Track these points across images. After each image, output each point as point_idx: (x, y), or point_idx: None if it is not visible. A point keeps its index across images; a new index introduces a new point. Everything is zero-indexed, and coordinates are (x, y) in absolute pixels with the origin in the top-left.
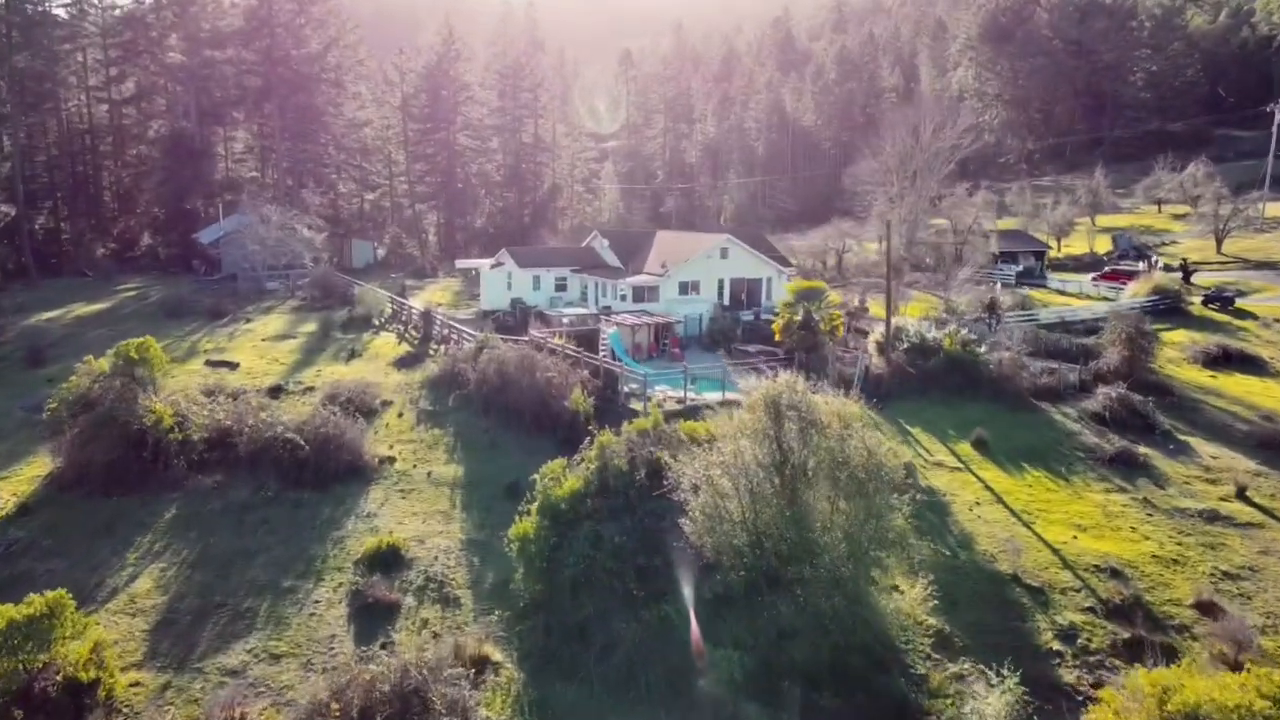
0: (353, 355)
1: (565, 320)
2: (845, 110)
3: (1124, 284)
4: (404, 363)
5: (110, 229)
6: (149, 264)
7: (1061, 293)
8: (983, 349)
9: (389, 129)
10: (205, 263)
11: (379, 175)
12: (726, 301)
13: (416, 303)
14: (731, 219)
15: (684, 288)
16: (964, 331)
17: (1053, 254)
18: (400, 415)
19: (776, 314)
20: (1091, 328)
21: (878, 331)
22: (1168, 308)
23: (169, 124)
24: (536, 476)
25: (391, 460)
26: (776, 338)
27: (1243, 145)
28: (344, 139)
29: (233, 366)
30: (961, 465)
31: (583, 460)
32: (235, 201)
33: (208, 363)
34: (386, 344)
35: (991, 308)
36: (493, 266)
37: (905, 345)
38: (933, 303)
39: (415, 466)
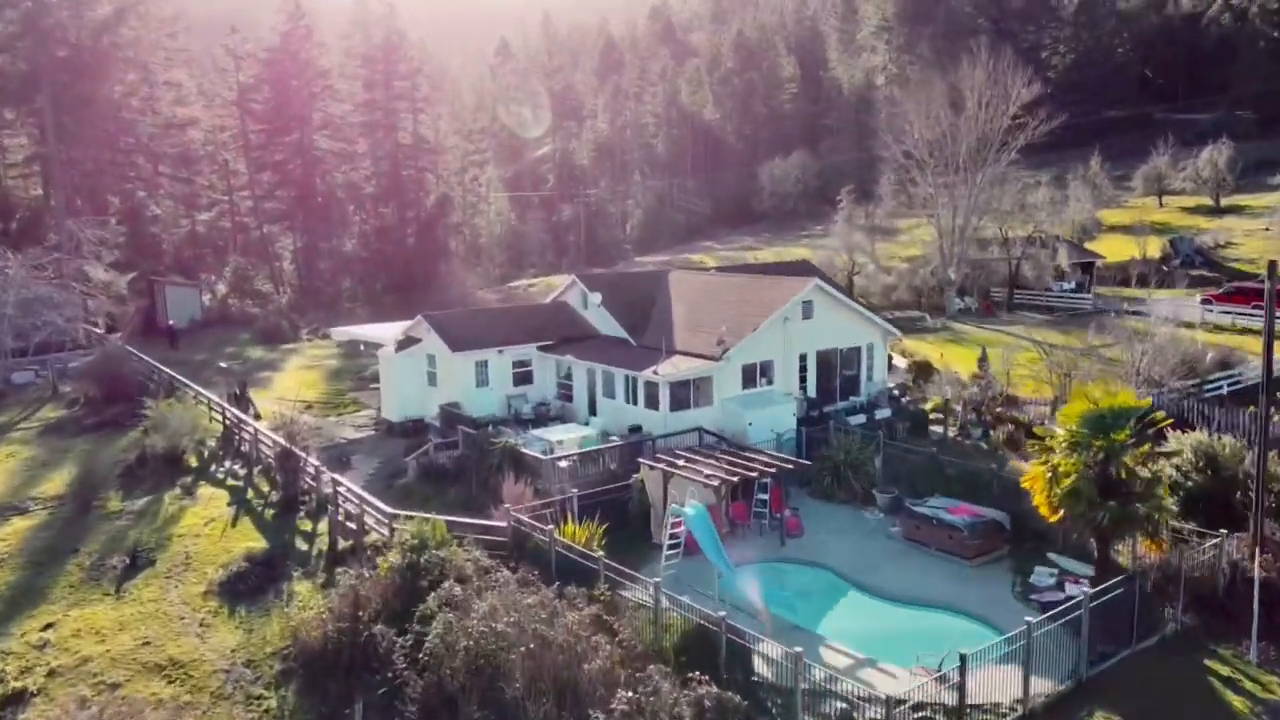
0: (131, 569)
1: (564, 464)
2: (746, 102)
3: (1254, 307)
4: (241, 585)
5: None
6: None
7: (1188, 325)
8: None
9: (223, 131)
10: None
11: (216, 190)
12: (813, 390)
13: (267, 421)
14: (639, 227)
15: (749, 375)
16: None
17: None
18: None
19: (903, 404)
20: None
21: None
22: None
23: None
24: None
25: None
26: (1038, 504)
27: (1201, 127)
28: (157, 143)
29: None
30: None
31: None
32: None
33: None
34: (210, 519)
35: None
36: (400, 344)
37: None
38: (1003, 342)
39: None
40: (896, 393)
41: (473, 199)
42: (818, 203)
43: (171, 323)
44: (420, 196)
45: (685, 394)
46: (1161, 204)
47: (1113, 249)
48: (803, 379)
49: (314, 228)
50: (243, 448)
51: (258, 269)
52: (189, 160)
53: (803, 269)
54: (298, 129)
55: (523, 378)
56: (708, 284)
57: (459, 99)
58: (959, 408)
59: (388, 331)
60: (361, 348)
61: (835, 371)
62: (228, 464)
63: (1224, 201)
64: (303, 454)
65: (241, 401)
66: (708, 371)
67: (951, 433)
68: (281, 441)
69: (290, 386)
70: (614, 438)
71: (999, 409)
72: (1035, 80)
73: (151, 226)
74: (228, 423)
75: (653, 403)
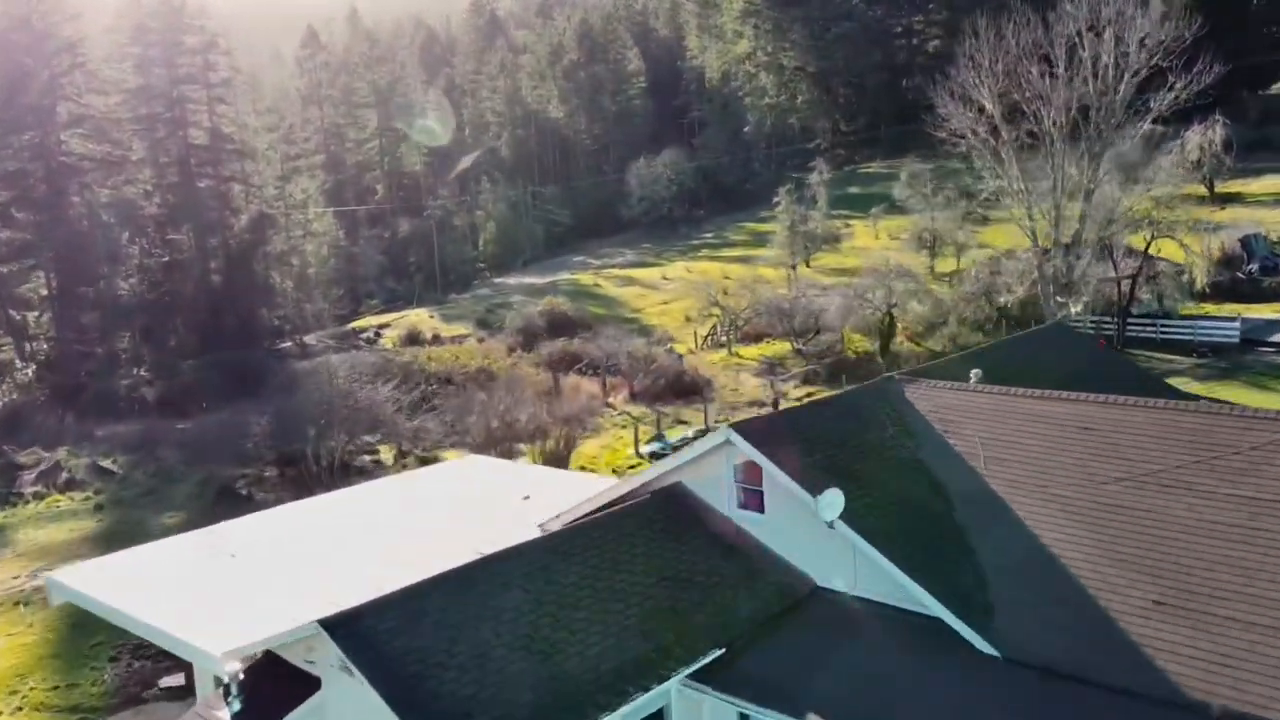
0: None
1: None
2: (594, 99)
3: None
4: None
5: None
6: None
7: None
8: None
9: None
10: None
11: None
12: None
13: None
14: (493, 242)
15: None
16: None
17: None
18: None
19: None
20: None
21: None
22: None
23: None
24: None
25: None
26: None
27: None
28: None
29: None
30: None
31: None
32: None
33: None
34: None
35: None
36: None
37: None
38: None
39: None
40: None
41: (300, 217)
42: (691, 207)
43: None
44: (226, 216)
45: None
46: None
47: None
48: None
49: (71, 264)
50: None
51: None
52: None
53: (1058, 335)
54: (39, 126)
55: None
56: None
57: (261, 99)
58: None
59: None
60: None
61: None
62: None
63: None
64: None
65: None
66: None
67: None
68: None
69: None
70: None
71: None
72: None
73: None
74: None
75: None
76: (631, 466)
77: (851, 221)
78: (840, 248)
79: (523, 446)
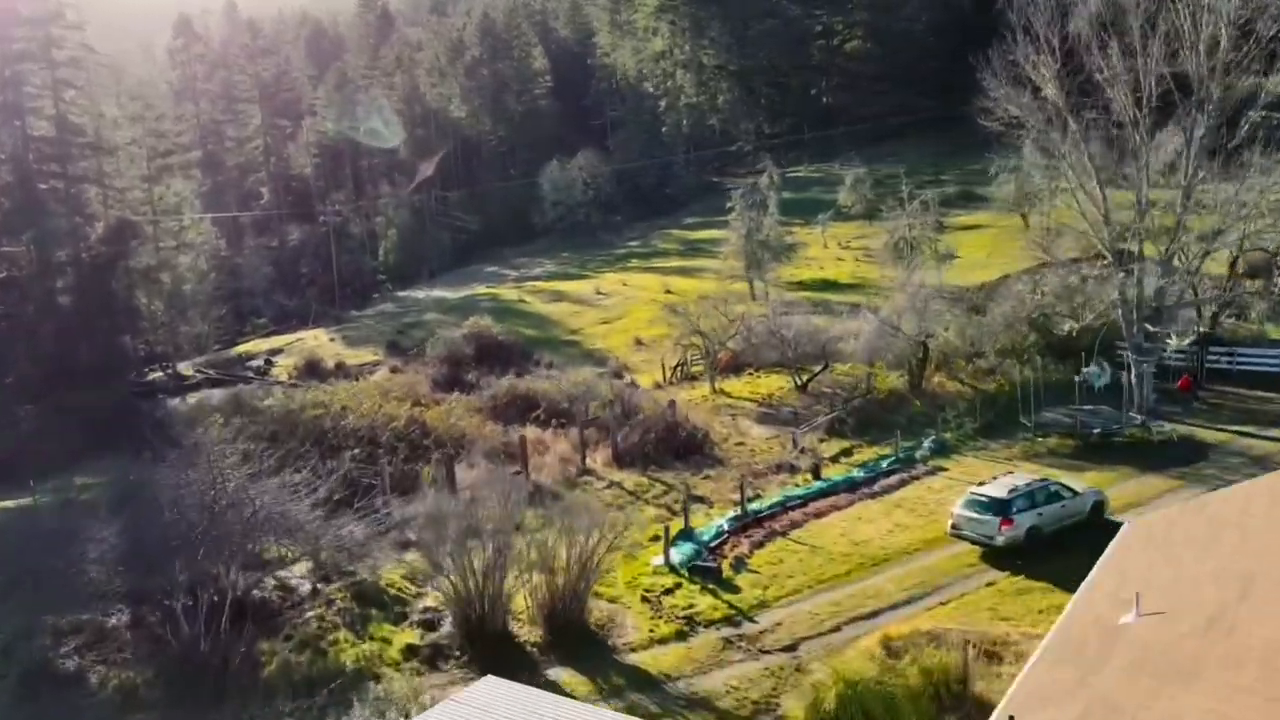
0: None
1: None
2: (497, 99)
3: None
4: None
5: None
6: None
7: None
8: None
9: None
10: None
11: None
12: None
13: None
14: (394, 251)
15: None
16: None
17: None
18: None
19: None
20: None
21: None
22: None
23: None
24: None
25: None
26: None
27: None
28: None
29: None
30: None
31: None
32: None
33: None
34: None
35: None
36: None
37: None
38: None
39: None
40: None
41: (173, 224)
42: (608, 213)
43: None
44: (79, 224)
45: None
46: None
47: None
48: None
49: None
50: None
51: None
52: None
53: None
54: None
55: None
56: None
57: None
58: None
59: None
60: None
61: None
62: None
63: None
64: None
65: None
66: None
67: None
68: None
69: None
70: None
71: None
72: None
73: None
74: None
75: None
76: (667, 591)
77: (793, 229)
78: (794, 258)
79: (509, 583)
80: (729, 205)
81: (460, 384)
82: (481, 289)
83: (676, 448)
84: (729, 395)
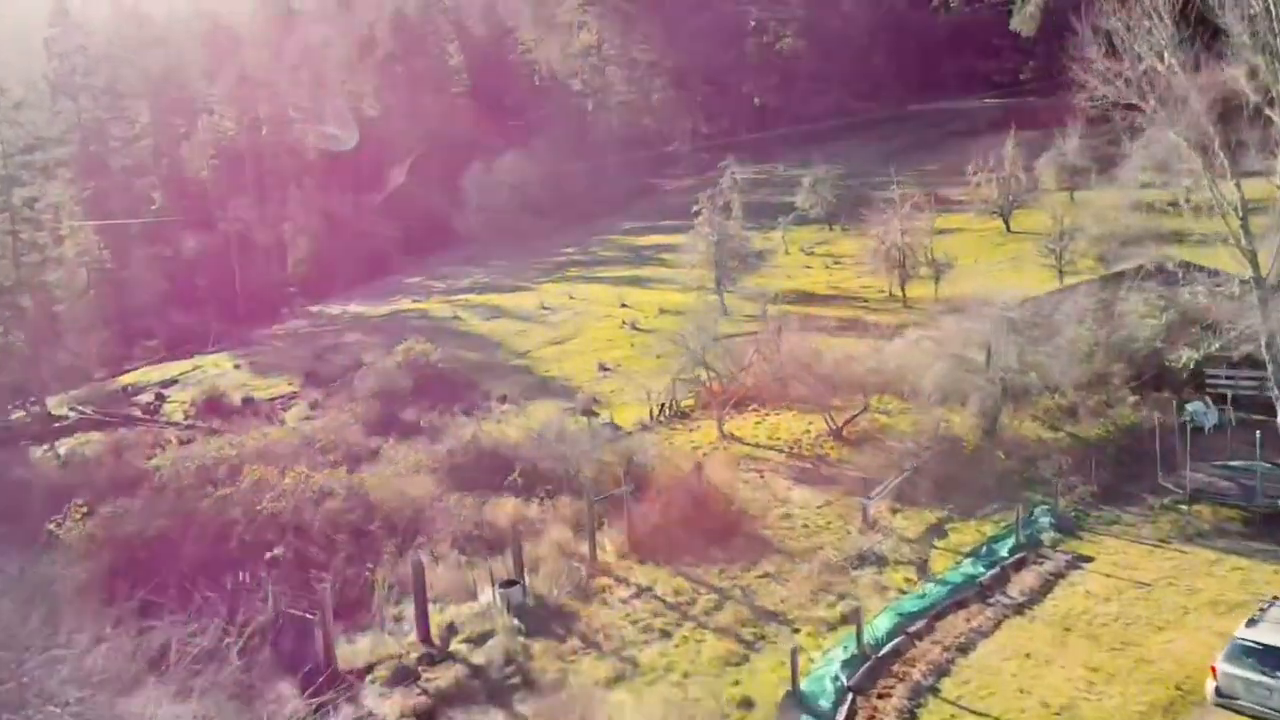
0: None
1: None
2: (413, 96)
3: None
4: None
5: None
6: None
7: None
8: None
9: None
10: None
11: None
12: None
13: None
14: (305, 262)
15: None
16: None
17: None
18: None
19: None
20: None
21: None
22: None
23: None
24: None
25: None
26: None
27: (992, 114)
28: None
29: None
30: None
31: None
32: None
33: None
34: None
35: None
36: None
37: None
38: None
39: None
40: None
41: (42, 237)
42: (537, 217)
43: None
44: None
45: None
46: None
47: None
48: None
49: None
50: None
51: None
52: None
53: None
54: None
55: None
56: None
57: None
58: None
59: None
60: None
61: None
62: None
63: None
64: None
65: None
66: None
67: None
68: None
69: None
70: None
71: None
72: None
73: None
74: None
75: None
76: None
77: (749, 234)
78: (761, 268)
79: None
80: (695, 209)
81: (397, 424)
82: (407, 303)
83: (708, 526)
84: (742, 441)
